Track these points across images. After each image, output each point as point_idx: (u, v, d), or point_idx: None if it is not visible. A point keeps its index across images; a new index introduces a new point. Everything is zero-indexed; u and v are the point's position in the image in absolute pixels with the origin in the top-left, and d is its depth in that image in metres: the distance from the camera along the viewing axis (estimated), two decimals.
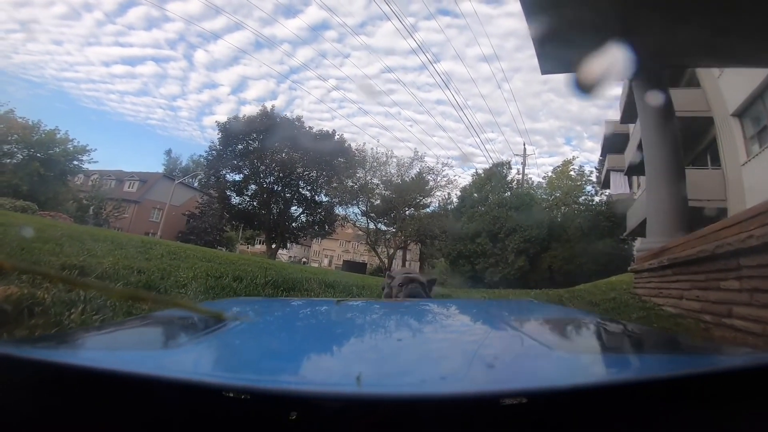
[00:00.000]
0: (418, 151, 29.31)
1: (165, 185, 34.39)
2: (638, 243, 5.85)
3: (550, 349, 0.67)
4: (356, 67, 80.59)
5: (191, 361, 0.60)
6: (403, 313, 1.16)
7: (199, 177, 30.08)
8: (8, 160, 22.97)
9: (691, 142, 11.95)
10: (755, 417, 0.45)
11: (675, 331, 2.05)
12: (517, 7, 5.69)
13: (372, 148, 27.37)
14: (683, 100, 10.73)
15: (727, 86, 9.99)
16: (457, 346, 0.79)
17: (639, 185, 19.57)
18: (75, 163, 25.91)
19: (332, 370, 0.61)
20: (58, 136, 24.83)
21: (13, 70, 57.32)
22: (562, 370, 0.59)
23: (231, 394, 0.41)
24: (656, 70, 6.38)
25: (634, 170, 16.01)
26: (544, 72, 7.31)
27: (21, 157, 23.24)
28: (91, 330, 1.15)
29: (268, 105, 28.72)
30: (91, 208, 30.00)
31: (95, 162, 27.48)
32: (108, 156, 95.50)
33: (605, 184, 24.44)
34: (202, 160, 28.28)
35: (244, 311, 1.05)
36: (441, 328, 1.02)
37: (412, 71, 77.90)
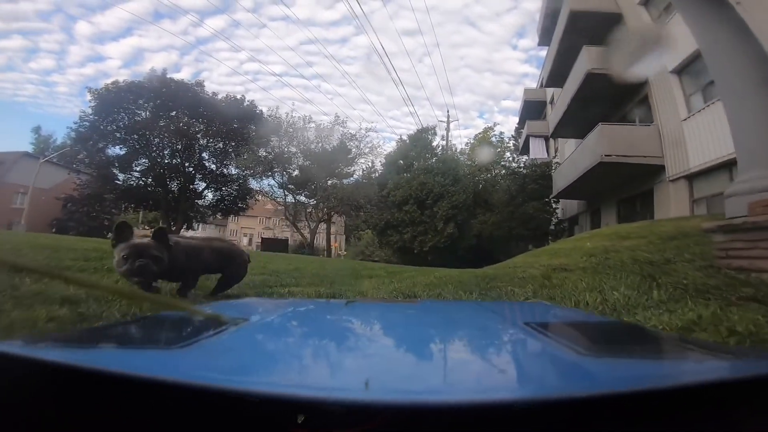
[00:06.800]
0: (338, 116, 26.72)
1: (30, 165, 27.88)
2: (732, 185, 3.63)
3: (566, 354, 0.63)
4: (276, 38, 73.66)
5: (194, 364, 0.58)
6: (413, 316, 1.18)
7: (68, 153, 24.57)
8: None
9: (619, 100, 11.69)
10: None
11: None
12: None
13: (287, 114, 24.39)
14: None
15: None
16: (467, 351, 0.78)
17: (557, 150, 19.84)
18: None
19: (340, 374, 0.59)
20: None
21: None
22: (576, 377, 0.57)
23: (237, 398, 0.41)
24: None
25: (560, 131, 15.65)
26: None
27: None
28: (90, 330, 1.11)
29: (158, 67, 23.86)
30: None
31: None
32: None
33: (524, 149, 24.79)
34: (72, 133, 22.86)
35: (245, 313, 1.03)
36: (452, 331, 0.98)
37: (333, 43, 74.00)
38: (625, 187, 11.35)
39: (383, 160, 24.42)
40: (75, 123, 22.20)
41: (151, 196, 24.11)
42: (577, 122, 13.11)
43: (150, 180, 23.80)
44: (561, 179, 14.07)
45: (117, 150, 22.95)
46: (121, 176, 23.51)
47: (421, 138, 23.75)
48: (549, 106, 21.10)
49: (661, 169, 9.58)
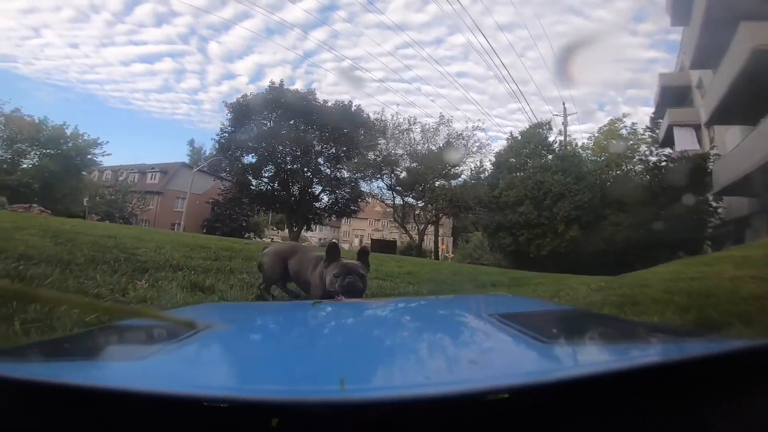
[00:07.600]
0: (443, 116, 25.74)
1: (187, 174, 33.70)
2: None
3: (531, 343, 0.66)
4: (375, 44, 76.23)
5: (163, 371, 0.58)
6: (382, 314, 1.19)
7: (214, 162, 28.79)
8: (22, 160, 22.41)
9: None
10: (732, 402, 0.45)
11: None
12: None
13: (392, 116, 24.62)
14: None
15: None
16: (439, 344, 0.80)
17: (712, 139, 16.18)
18: (89, 157, 25.21)
19: (314, 374, 0.58)
20: (68, 131, 24.06)
21: (37, 75, 59.49)
22: (545, 363, 0.60)
23: (208, 404, 0.40)
24: None
25: (719, 118, 12.65)
26: None
27: (35, 155, 22.69)
28: (52, 342, 1.06)
29: (276, 80, 26.56)
30: (111, 202, 29.72)
31: (108, 155, 26.82)
32: (138, 154, 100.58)
33: (665, 142, 20.85)
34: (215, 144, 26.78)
35: (216, 318, 1.03)
36: (422, 326, 1.00)
37: (429, 45, 73.30)
38: None
39: (492, 159, 23.06)
40: (217, 135, 25.96)
41: (278, 200, 26.81)
42: (743, 106, 10.57)
43: (276, 184, 26.55)
44: (726, 173, 11.39)
45: (250, 158, 26.15)
46: (254, 182, 26.64)
47: (535, 134, 21.81)
48: (696, 91, 17.46)
49: None
